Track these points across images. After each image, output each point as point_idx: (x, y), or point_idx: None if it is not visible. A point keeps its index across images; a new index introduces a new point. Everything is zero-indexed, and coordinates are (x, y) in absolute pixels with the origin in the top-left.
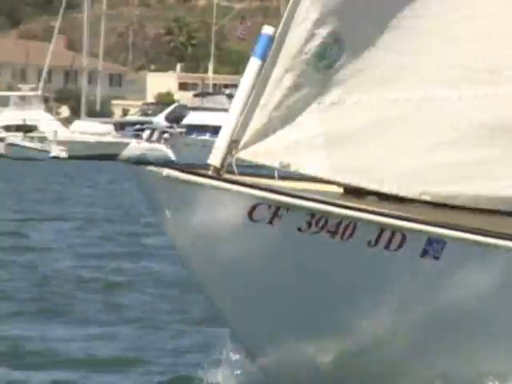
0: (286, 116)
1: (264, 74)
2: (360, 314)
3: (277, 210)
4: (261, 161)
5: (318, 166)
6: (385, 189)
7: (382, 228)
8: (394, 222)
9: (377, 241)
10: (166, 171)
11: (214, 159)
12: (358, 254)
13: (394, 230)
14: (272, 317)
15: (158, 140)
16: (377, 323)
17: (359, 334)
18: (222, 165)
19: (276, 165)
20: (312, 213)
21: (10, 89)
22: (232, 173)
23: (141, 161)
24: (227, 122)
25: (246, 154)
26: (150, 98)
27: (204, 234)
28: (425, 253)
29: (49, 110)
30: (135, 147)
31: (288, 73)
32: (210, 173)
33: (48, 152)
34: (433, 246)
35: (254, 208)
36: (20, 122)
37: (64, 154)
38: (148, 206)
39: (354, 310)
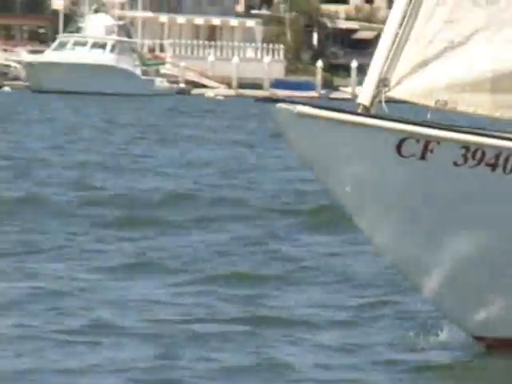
0: (444, 51)
1: (413, 7)
2: None
3: (427, 144)
4: (415, 99)
5: (478, 104)
6: None
7: None
8: None
9: None
10: (298, 108)
11: (363, 97)
12: None
13: None
14: (435, 254)
15: None
16: None
17: None
18: (372, 103)
19: (431, 103)
20: (466, 145)
21: None
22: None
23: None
24: (376, 58)
25: (398, 93)
26: None
27: (352, 174)
28: None
29: None
30: None
31: (440, 6)
32: (359, 111)
33: None
34: None
35: (401, 143)
36: None
37: None
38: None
39: None
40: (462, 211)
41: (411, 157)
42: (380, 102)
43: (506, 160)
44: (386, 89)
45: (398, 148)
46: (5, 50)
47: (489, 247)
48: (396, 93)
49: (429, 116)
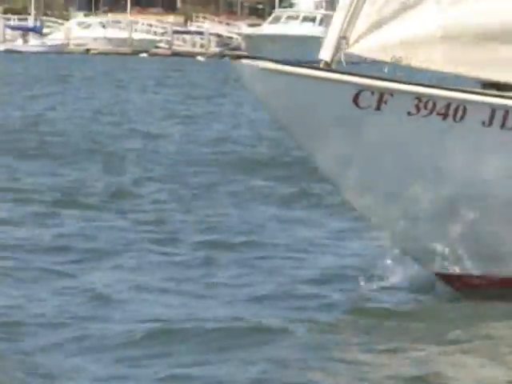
0: (398, 11)
1: None
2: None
3: (381, 96)
4: (372, 55)
5: (431, 59)
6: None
7: (494, 108)
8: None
9: (490, 121)
10: (261, 64)
11: (325, 54)
12: (473, 134)
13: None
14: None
15: None
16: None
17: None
18: (332, 59)
19: (387, 59)
20: (418, 96)
21: None
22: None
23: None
24: (335, 17)
25: (357, 49)
26: None
27: (314, 125)
28: None
29: None
30: None
31: None
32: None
33: None
34: None
35: (357, 95)
36: None
37: None
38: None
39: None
40: (415, 158)
41: (368, 108)
42: (340, 59)
43: (456, 110)
44: (346, 46)
45: (355, 99)
46: (228, 24)
47: (442, 192)
48: (354, 49)
49: (386, 71)
